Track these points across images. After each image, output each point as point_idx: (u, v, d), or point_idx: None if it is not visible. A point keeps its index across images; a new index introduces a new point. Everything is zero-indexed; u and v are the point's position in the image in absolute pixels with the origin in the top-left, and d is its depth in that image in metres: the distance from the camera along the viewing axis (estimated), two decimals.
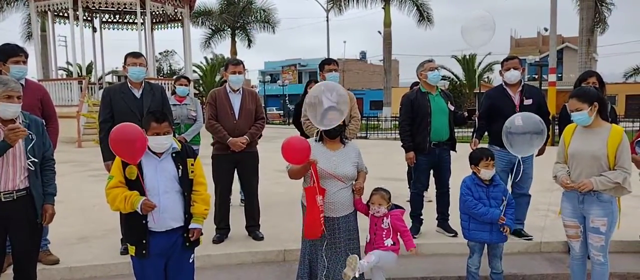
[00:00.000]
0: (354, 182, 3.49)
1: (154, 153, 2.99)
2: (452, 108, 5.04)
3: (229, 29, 31.43)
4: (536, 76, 33.21)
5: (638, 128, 17.36)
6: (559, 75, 32.79)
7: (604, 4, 19.89)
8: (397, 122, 12.16)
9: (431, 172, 5.16)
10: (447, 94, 5.16)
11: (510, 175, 4.93)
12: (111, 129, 4.25)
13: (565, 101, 4.96)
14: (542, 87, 22.71)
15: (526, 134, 3.75)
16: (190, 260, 3.18)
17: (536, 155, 5.05)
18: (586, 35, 17.53)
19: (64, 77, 28.20)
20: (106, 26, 20.88)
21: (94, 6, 17.48)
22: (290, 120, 23.87)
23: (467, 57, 35.54)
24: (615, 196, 3.40)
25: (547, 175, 3.87)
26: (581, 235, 3.52)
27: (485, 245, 3.87)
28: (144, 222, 2.94)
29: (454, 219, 5.02)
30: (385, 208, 3.52)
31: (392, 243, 3.51)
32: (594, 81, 4.58)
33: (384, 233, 3.51)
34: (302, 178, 3.49)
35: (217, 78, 39.08)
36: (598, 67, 33.44)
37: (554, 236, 4.97)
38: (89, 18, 20.09)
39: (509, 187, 4.18)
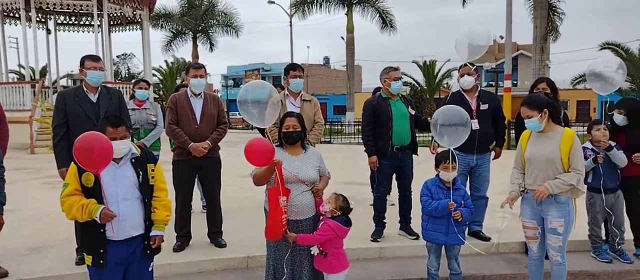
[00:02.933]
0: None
1: (112, 160, 2.89)
2: (413, 112, 5.14)
3: (190, 33, 30.95)
4: (492, 82, 34.27)
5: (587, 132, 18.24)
6: (514, 81, 33.99)
7: (556, 13, 20.76)
8: (360, 127, 12.24)
9: (394, 175, 5.24)
10: (408, 99, 5.27)
11: (468, 178, 5.09)
12: (65, 135, 4.15)
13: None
14: (498, 93, 23.48)
15: (452, 126, 3.87)
16: (150, 269, 3.10)
17: (493, 159, 5.23)
18: (540, 43, 18.22)
19: (16, 80, 26.99)
20: (61, 28, 20.13)
21: (48, 7, 16.84)
22: (254, 126, 23.64)
23: (428, 63, 36.34)
24: (571, 198, 3.53)
25: (504, 178, 4.00)
26: (539, 236, 3.65)
27: (443, 246, 3.95)
28: (101, 230, 2.83)
29: (416, 222, 5.11)
30: (329, 207, 3.39)
31: (318, 251, 3.36)
32: (544, 87, 4.79)
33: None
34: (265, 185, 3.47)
35: (178, 81, 38.40)
36: (551, 73, 34.85)
37: (511, 237, 5.12)
38: (42, 19, 19.31)
39: (467, 189, 4.29)
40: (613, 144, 4.60)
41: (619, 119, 4.64)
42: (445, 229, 3.79)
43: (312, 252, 3.40)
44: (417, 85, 36.79)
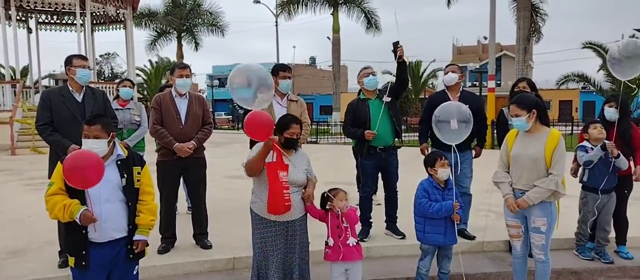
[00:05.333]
0: (303, 190, 3.50)
1: None
2: (388, 99, 4.99)
3: (175, 32, 30.69)
4: (476, 83, 34.61)
5: (570, 132, 18.51)
6: (498, 81, 34.31)
7: (539, 15, 21.07)
8: None
9: (379, 175, 5.25)
10: (383, 90, 5.16)
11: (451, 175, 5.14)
12: (54, 131, 4.08)
13: (502, 106, 5.24)
14: (482, 93, 23.74)
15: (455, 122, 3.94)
16: (134, 272, 3.06)
17: (473, 157, 5.30)
18: (523, 43, 18.49)
19: None
20: (42, 27, 19.82)
21: (28, 6, 16.56)
22: (240, 125, 23.58)
23: (413, 63, 36.57)
24: (554, 201, 3.57)
25: (487, 177, 4.03)
26: (523, 235, 3.69)
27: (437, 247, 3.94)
28: (84, 232, 2.80)
29: (402, 221, 5.14)
30: (344, 203, 3.51)
31: (355, 242, 3.57)
32: (524, 86, 4.91)
33: (349, 232, 3.53)
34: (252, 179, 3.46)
35: (163, 81, 38.01)
36: (534, 74, 35.45)
37: (495, 236, 5.18)
38: (23, 18, 18.99)
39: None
40: (608, 143, 4.58)
41: (611, 112, 4.64)
42: (444, 230, 3.79)
43: (349, 244, 3.52)
44: None
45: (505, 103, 5.06)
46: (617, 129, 4.61)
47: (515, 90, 4.91)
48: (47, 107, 4.18)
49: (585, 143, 4.69)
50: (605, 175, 4.57)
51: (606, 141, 4.56)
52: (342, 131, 19.24)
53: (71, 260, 2.86)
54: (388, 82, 5.04)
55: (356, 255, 3.58)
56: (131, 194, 2.93)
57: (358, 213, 3.71)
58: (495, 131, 5.25)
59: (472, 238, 5.16)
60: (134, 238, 2.96)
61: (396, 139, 5.12)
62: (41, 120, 4.18)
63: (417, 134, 5.48)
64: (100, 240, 2.84)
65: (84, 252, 2.82)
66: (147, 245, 3.05)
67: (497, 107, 15.19)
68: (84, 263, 2.82)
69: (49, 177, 3.49)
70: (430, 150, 4.73)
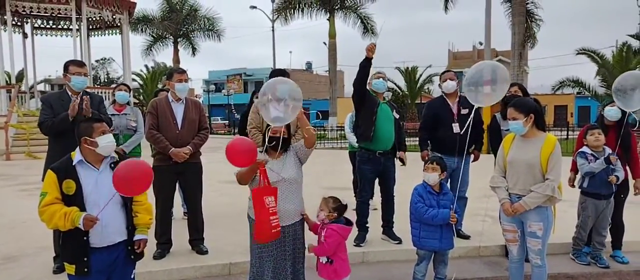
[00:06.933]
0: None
1: (92, 165, 2.87)
2: (397, 116, 5.20)
3: (171, 37, 30.68)
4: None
5: (566, 137, 18.59)
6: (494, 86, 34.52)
7: (533, 20, 21.20)
8: (343, 132, 12.16)
9: (376, 181, 5.26)
10: (392, 104, 5.33)
11: (449, 180, 5.16)
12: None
13: (495, 111, 5.27)
14: None
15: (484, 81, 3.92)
16: (132, 276, 3.06)
17: (472, 161, 5.32)
18: (518, 49, 18.58)
19: None
20: (38, 32, 19.78)
21: (24, 11, 16.53)
22: (236, 130, 23.56)
23: (410, 68, 36.71)
24: (550, 205, 3.57)
25: (485, 182, 4.04)
26: (519, 239, 3.70)
27: (433, 252, 3.93)
28: (85, 238, 2.80)
29: (399, 226, 5.14)
30: (324, 214, 3.41)
31: (326, 260, 3.41)
32: (516, 90, 4.96)
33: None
34: (248, 185, 3.43)
35: (160, 85, 37.95)
36: (529, 79, 35.50)
37: (492, 240, 5.18)
38: (18, 23, 18.95)
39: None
40: (608, 149, 4.60)
41: (612, 111, 4.65)
42: (440, 235, 3.77)
43: (321, 261, 3.42)
44: (399, 91, 37.11)
45: (499, 109, 5.09)
46: (617, 132, 4.61)
47: (507, 94, 4.92)
48: (49, 107, 4.25)
49: (584, 149, 4.70)
50: (605, 181, 4.57)
51: (609, 150, 4.58)
52: (339, 136, 19.39)
53: (70, 268, 2.84)
54: (390, 95, 5.15)
55: (323, 272, 3.44)
56: (128, 196, 2.93)
57: (346, 234, 3.45)
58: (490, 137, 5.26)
59: (467, 237, 5.21)
60: (135, 238, 2.97)
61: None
62: (45, 118, 4.23)
63: (416, 140, 5.53)
64: (101, 245, 2.85)
65: (85, 259, 2.81)
66: (146, 245, 3.05)
67: (493, 111, 15.24)
68: (86, 269, 2.82)
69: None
70: (430, 155, 4.77)
